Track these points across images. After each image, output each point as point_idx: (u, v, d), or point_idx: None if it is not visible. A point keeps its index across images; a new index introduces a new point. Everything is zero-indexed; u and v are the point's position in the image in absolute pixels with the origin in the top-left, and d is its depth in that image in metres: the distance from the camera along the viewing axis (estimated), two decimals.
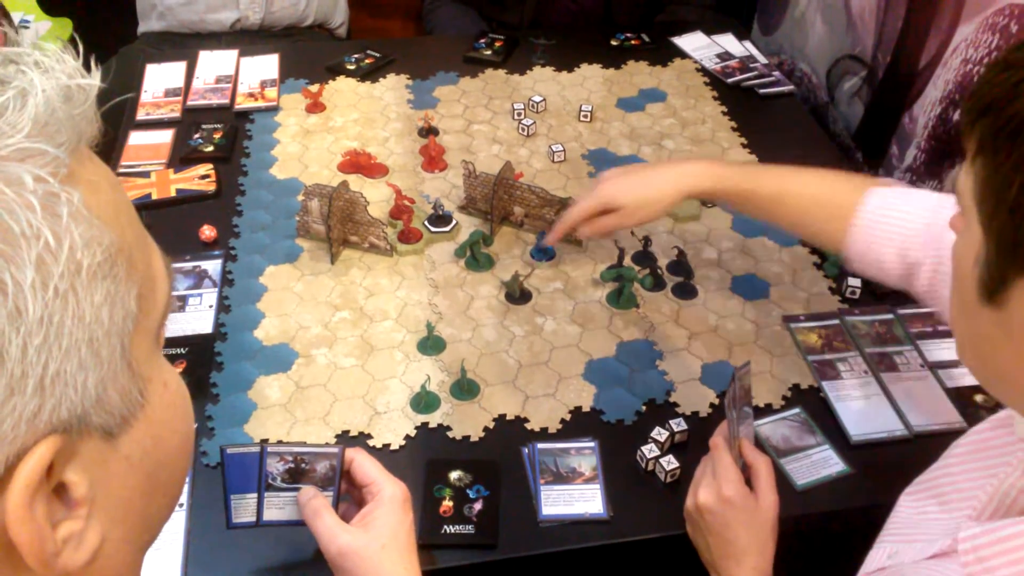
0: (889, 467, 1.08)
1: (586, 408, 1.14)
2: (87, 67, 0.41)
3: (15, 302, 0.35)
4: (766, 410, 1.14)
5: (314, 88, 1.72)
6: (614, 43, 1.93)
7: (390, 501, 0.86)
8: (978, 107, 0.58)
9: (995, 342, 0.60)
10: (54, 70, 0.39)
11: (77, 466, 0.40)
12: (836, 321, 1.26)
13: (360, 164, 1.54)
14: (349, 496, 0.92)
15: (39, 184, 0.37)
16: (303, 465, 0.89)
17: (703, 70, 1.85)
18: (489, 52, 1.88)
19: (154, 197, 1.46)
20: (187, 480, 1.04)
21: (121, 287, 0.41)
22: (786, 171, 1.10)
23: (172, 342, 1.21)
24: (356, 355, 1.21)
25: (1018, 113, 0.54)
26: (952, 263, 0.68)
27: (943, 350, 1.22)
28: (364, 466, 0.89)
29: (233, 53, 1.86)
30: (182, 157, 1.57)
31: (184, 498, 1.03)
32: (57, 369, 0.37)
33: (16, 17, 2.25)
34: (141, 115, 1.68)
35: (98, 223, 0.39)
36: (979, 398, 1.15)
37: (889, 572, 0.65)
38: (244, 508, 0.91)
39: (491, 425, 1.12)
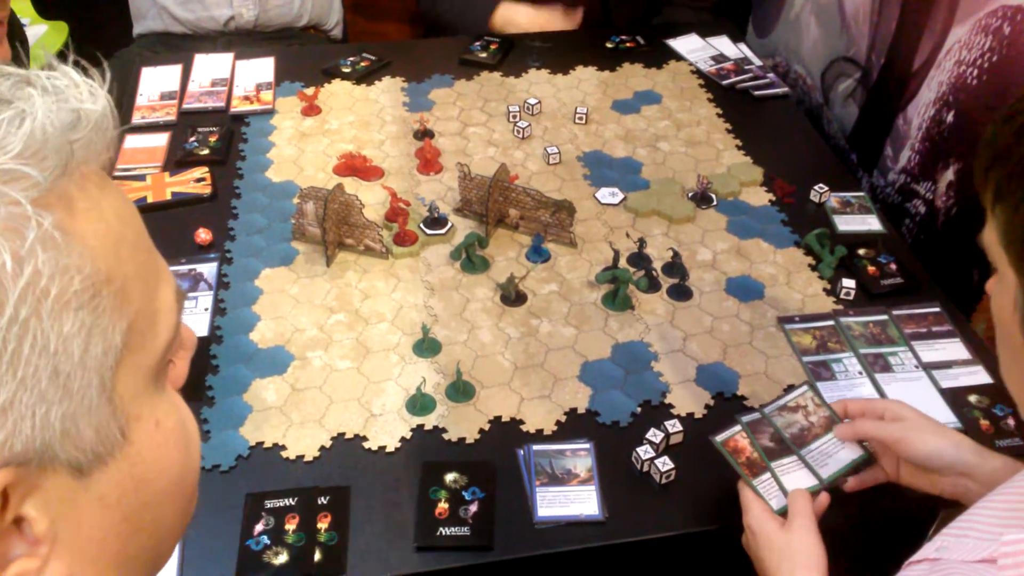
0: None
1: (581, 410, 1.15)
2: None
3: None
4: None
5: (310, 91, 1.72)
6: (609, 45, 1.94)
7: None
8: (988, 158, 0.62)
9: None
10: (63, 93, 0.38)
11: (38, 502, 0.38)
12: (831, 322, 1.27)
13: (356, 167, 1.55)
14: None
15: (11, 207, 0.35)
16: None
17: (698, 72, 1.85)
18: (484, 55, 1.88)
19: (149, 200, 1.46)
20: None
21: (103, 319, 0.39)
22: None
23: None
24: (352, 357, 1.21)
25: None
26: (995, 324, 0.69)
27: (937, 351, 1.22)
28: None
29: (228, 56, 1.86)
30: (177, 160, 1.57)
31: None
32: (9, 399, 0.35)
33: None
34: (136, 118, 1.68)
35: (80, 250, 0.38)
36: (973, 398, 1.16)
37: (933, 565, 0.65)
38: None
39: (486, 427, 1.12)
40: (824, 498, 0.95)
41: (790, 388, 1.12)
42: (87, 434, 0.39)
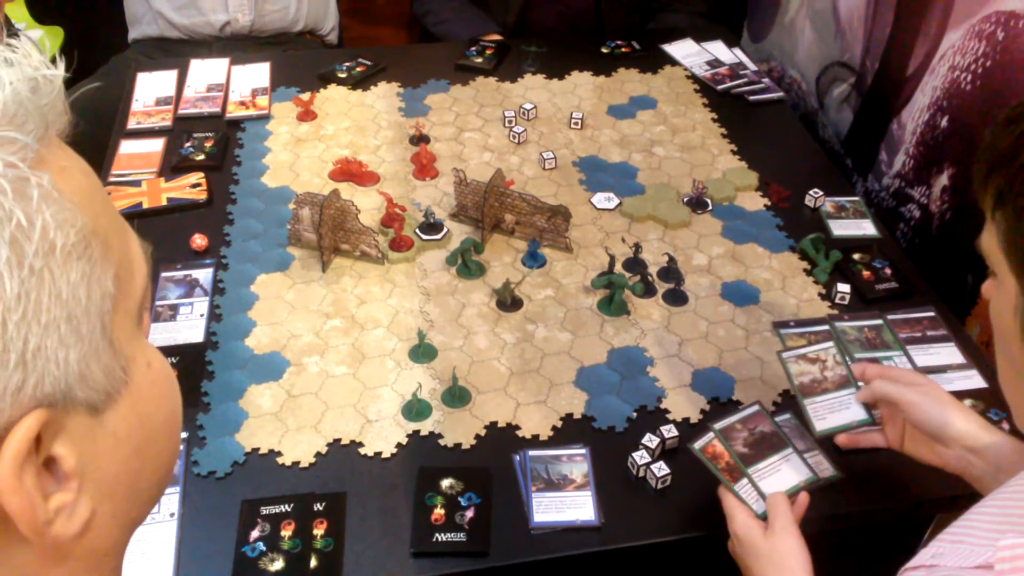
0: (879, 472, 1.08)
1: (577, 415, 1.15)
2: (66, 65, 0.43)
3: None
4: None
5: (305, 96, 1.72)
6: (604, 50, 1.94)
7: None
8: (988, 165, 0.61)
9: None
10: (21, 64, 0.41)
11: (65, 440, 0.41)
12: (826, 327, 1.27)
13: (351, 172, 1.55)
14: None
15: (9, 169, 0.38)
16: None
17: (693, 77, 1.86)
18: (480, 60, 1.89)
19: (145, 206, 1.46)
20: (178, 490, 1.04)
21: (97, 268, 0.42)
22: None
23: (163, 351, 1.20)
24: (347, 363, 1.21)
25: None
26: (993, 329, 0.69)
27: (932, 355, 1.23)
28: None
29: (224, 62, 1.86)
30: (173, 166, 1.57)
31: (175, 508, 1.03)
32: (38, 344, 0.39)
33: None
34: (132, 124, 1.68)
35: (70, 206, 0.41)
36: (967, 403, 1.16)
37: (929, 572, 0.65)
38: None
39: (482, 433, 1.12)
40: (803, 498, 0.95)
41: (823, 331, 1.07)
42: (98, 375, 0.42)
